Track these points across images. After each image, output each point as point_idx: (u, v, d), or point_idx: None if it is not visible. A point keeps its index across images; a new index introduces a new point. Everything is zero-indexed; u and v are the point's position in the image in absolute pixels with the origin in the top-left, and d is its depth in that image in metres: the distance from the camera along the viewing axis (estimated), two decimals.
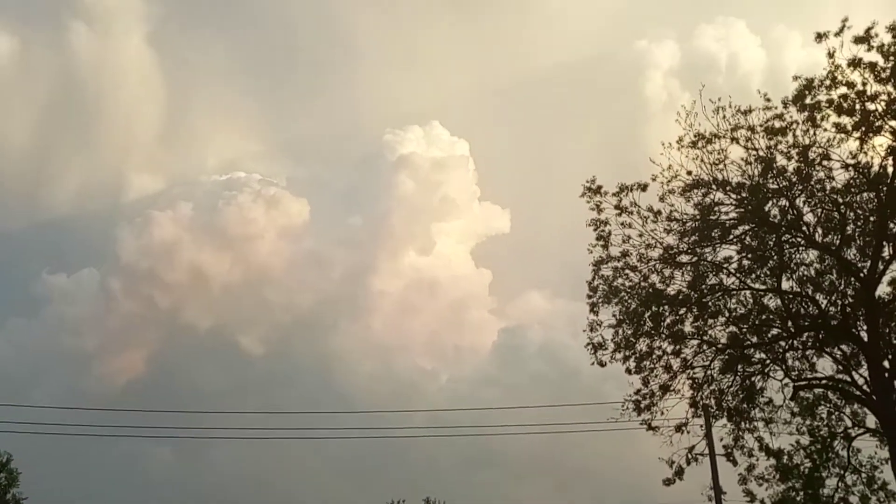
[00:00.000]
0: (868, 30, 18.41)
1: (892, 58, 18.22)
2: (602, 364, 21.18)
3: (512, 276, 56.76)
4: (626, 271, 21.11)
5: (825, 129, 19.23)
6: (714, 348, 20.79)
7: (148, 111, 69.92)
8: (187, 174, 72.84)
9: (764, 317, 20.68)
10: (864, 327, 19.65)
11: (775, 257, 20.29)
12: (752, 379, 20.72)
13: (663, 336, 20.93)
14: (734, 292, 20.82)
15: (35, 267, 57.20)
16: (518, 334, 51.54)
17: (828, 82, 19.07)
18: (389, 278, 55.41)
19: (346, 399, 45.20)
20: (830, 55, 18.81)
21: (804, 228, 19.88)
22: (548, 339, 50.26)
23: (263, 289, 55.50)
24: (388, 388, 50.37)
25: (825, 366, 20.81)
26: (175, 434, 30.77)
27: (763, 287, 20.64)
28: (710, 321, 20.86)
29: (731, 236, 20.43)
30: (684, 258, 20.77)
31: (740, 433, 21.28)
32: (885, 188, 18.80)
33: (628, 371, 21.14)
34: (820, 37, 18.88)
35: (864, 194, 19.35)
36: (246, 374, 52.32)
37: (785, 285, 20.33)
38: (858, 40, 18.49)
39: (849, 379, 20.27)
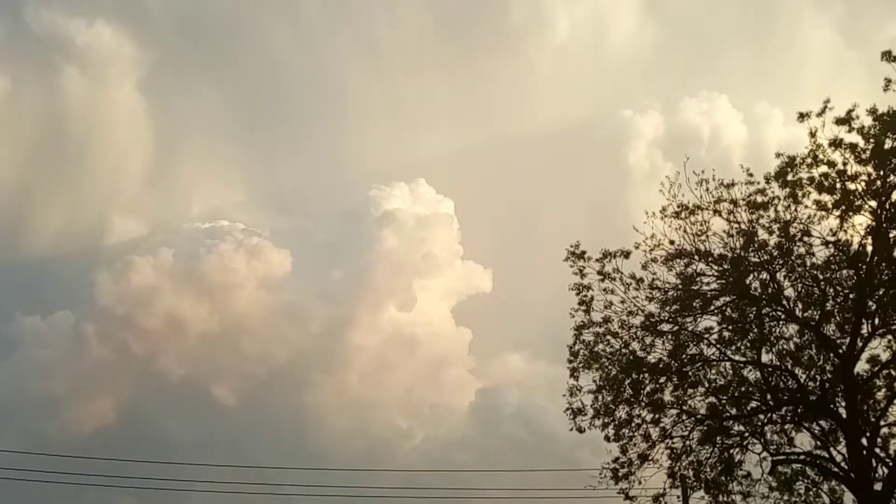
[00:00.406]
0: (849, 112, 18.92)
1: (872, 139, 18.70)
2: (581, 430, 21.09)
3: (492, 336, 56.56)
4: (608, 337, 21.19)
5: (806, 206, 19.60)
6: (693, 418, 20.75)
7: (135, 156, 70.10)
8: (171, 220, 72.57)
9: (743, 389, 20.70)
10: (843, 403, 19.72)
11: (755, 330, 20.45)
12: (731, 451, 20.62)
13: (643, 404, 20.90)
14: (714, 363, 20.89)
15: (9, 308, 56.24)
16: (495, 395, 51.11)
17: (809, 160, 19.52)
18: (368, 333, 54.98)
19: (319, 455, 44.39)
20: (812, 134, 19.30)
21: (784, 302, 20.06)
22: (525, 402, 49.85)
23: (240, 339, 54.79)
24: (362, 446, 49.54)
25: (804, 441, 20.80)
26: (142, 485, 30.07)
27: (743, 359, 20.74)
28: (690, 391, 20.87)
29: (713, 307, 20.57)
30: (665, 327, 20.86)
31: None
32: (864, 266, 19.09)
33: (607, 438, 21.05)
34: (802, 116, 19.40)
35: (844, 271, 19.61)
36: (217, 426, 51.26)
37: (765, 358, 20.44)
38: (840, 121, 18.99)
39: (827, 455, 20.24)
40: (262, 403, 52.00)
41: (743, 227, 20.01)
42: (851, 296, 19.57)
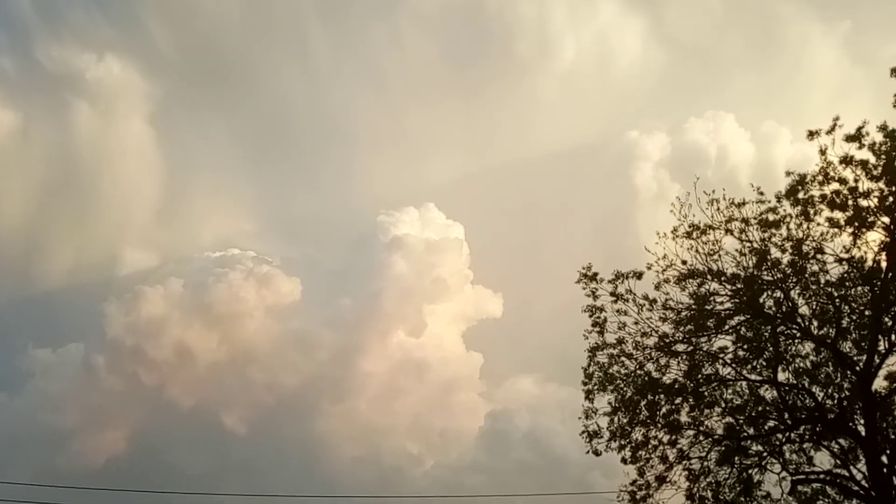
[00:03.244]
0: (859, 129, 18.96)
1: (883, 156, 18.73)
2: (597, 453, 20.97)
3: (503, 359, 56.27)
4: (622, 358, 21.12)
5: (818, 224, 19.60)
6: (711, 439, 20.62)
7: (145, 189, 70.46)
8: (181, 251, 72.93)
9: (760, 408, 20.58)
10: (862, 421, 19.57)
11: (771, 349, 20.34)
12: (750, 471, 20.45)
13: (659, 425, 20.78)
14: (730, 383, 20.78)
15: (22, 341, 56.44)
16: (505, 419, 50.77)
17: (820, 178, 19.53)
18: (378, 359, 54.81)
19: (331, 483, 44.13)
20: (822, 152, 19.34)
21: (799, 320, 19.99)
22: (535, 425, 49.53)
23: (249, 368, 54.73)
24: (373, 473, 49.20)
25: (823, 460, 20.61)
26: None
27: (759, 378, 20.62)
28: (707, 411, 20.75)
29: (727, 326, 20.52)
30: (680, 347, 20.81)
31: None
32: (879, 283, 19.03)
33: (624, 461, 20.92)
34: (812, 134, 19.45)
35: (859, 288, 19.54)
36: (228, 455, 51.08)
37: (781, 377, 20.34)
38: (850, 138, 19.04)
39: (847, 474, 20.04)
40: (273, 431, 51.84)
41: (755, 245, 19.99)
42: (867, 313, 19.49)
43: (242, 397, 53.23)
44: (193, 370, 53.68)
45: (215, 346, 54.81)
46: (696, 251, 20.39)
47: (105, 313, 54.24)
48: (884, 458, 19.30)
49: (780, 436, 20.63)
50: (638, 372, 20.90)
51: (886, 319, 19.36)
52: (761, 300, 20.01)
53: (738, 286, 20.05)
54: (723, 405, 20.67)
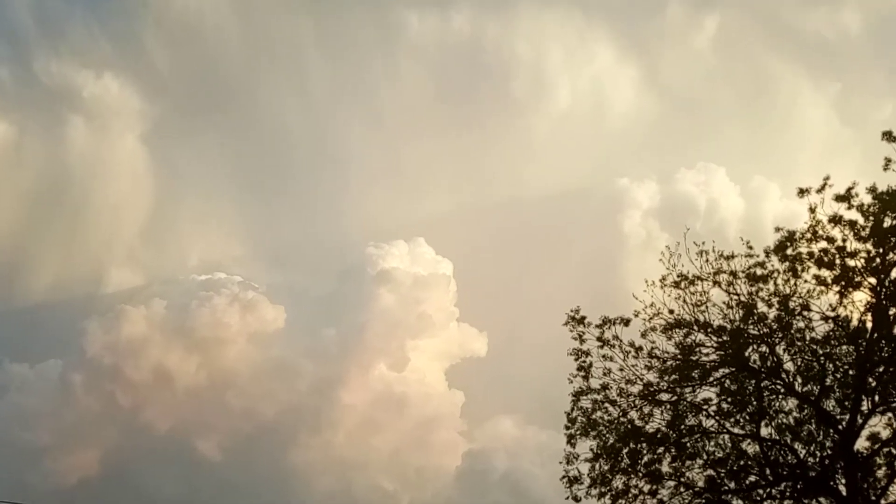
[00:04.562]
0: (849, 189, 19.26)
1: (871, 217, 18.97)
2: (577, 499, 20.75)
3: (484, 399, 55.98)
4: (606, 405, 21.07)
5: (806, 280, 19.80)
6: (691, 491, 20.50)
7: (135, 207, 70.34)
8: (167, 272, 72.54)
9: (742, 462, 20.51)
10: (843, 481, 19.54)
11: (755, 403, 20.39)
12: None
13: (640, 474, 20.67)
14: (713, 435, 20.73)
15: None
16: (483, 459, 50.35)
17: (809, 235, 19.77)
18: (358, 392, 54.35)
19: None
20: (812, 210, 19.59)
21: (784, 376, 20.06)
22: (514, 467, 49.15)
23: (227, 394, 54.15)
24: None
25: None
26: None
27: (742, 432, 20.60)
28: (688, 463, 20.66)
29: (712, 378, 20.54)
30: (664, 396, 20.79)
31: None
32: (864, 343, 19.16)
33: None
34: (802, 192, 19.71)
35: (844, 347, 19.67)
36: (201, 481, 50.36)
37: (764, 432, 20.33)
38: (839, 198, 19.30)
39: None
40: (248, 460, 51.25)
41: (742, 299, 20.12)
42: (851, 372, 19.59)
43: (219, 423, 52.70)
44: (171, 393, 53.19)
45: (195, 370, 54.36)
46: (684, 301, 20.52)
47: (86, 331, 53.81)
48: None
49: (761, 491, 20.54)
50: (621, 419, 20.85)
51: (870, 380, 19.45)
52: (747, 354, 20.08)
53: (725, 339, 20.14)
54: (705, 457, 20.61)
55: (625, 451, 20.61)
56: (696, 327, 20.39)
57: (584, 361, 21.16)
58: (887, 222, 18.81)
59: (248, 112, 79.85)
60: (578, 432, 21.11)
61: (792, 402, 20.40)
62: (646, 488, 20.62)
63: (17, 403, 51.76)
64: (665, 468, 20.68)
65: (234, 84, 77.91)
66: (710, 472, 20.56)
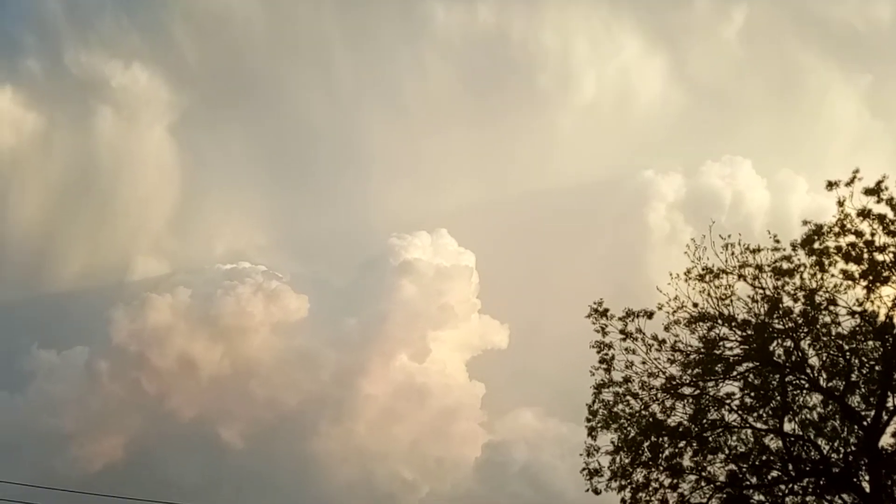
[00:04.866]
0: (879, 182, 18.98)
1: None
2: (597, 492, 20.75)
3: (505, 391, 55.87)
4: (627, 398, 20.99)
5: (832, 275, 19.54)
6: (712, 485, 20.43)
7: (162, 197, 70.74)
8: (193, 261, 73.04)
9: (764, 457, 20.38)
10: (867, 477, 19.35)
11: (778, 398, 20.24)
12: None
13: (661, 468, 20.60)
14: (735, 429, 20.62)
15: (27, 341, 56.49)
16: (503, 451, 50.32)
17: (836, 229, 19.50)
18: (380, 382, 54.44)
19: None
20: (840, 203, 19.32)
21: (808, 371, 19.87)
22: (534, 459, 49.08)
23: (251, 382, 54.52)
24: (366, 497, 48.80)
25: None
26: None
27: (765, 427, 20.46)
28: (710, 457, 20.57)
29: (735, 372, 20.41)
30: (686, 390, 20.67)
31: None
32: (890, 338, 18.92)
33: (623, 502, 20.70)
34: (831, 185, 19.44)
35: (870, 342, 19.45)
36: (224, 468, 50.82)
37: (787, 427, 20.18)
38: (868, 192, 19.03)
39: None
40: (270, 448, 51.56)
41: (768, 293, 19.93)
42: (877, 367, 19.38)
43: (242, 412, 53.02)
44: (195, 381, 53.53)
45: (219, 359, 54.69)
46: (708, 295, 20.34)
47: (112, 318, 54.35)
48: None
49: (783, 487, 20.41)
50: (643, 412, 20.77)
51: None
52: (771, 348, 19.91)
53: (749, 333, 19.96)
54: (726, 452, 20.50)
55: (646, 444, 20.54)
56: (720, 321, 20.23)
57: (607, 354, 21.08)
58: None
59: (274, 104, 79.95)
60: (599, 425, 21.06)
61: (816, 398, 20.26)
62: (666, 482, 20.56)
63: (45, 389, 52.42)
64: (686, 462, 20.61)
65: (261, 75, 78.07)
66: (732, 466, 20.48)
